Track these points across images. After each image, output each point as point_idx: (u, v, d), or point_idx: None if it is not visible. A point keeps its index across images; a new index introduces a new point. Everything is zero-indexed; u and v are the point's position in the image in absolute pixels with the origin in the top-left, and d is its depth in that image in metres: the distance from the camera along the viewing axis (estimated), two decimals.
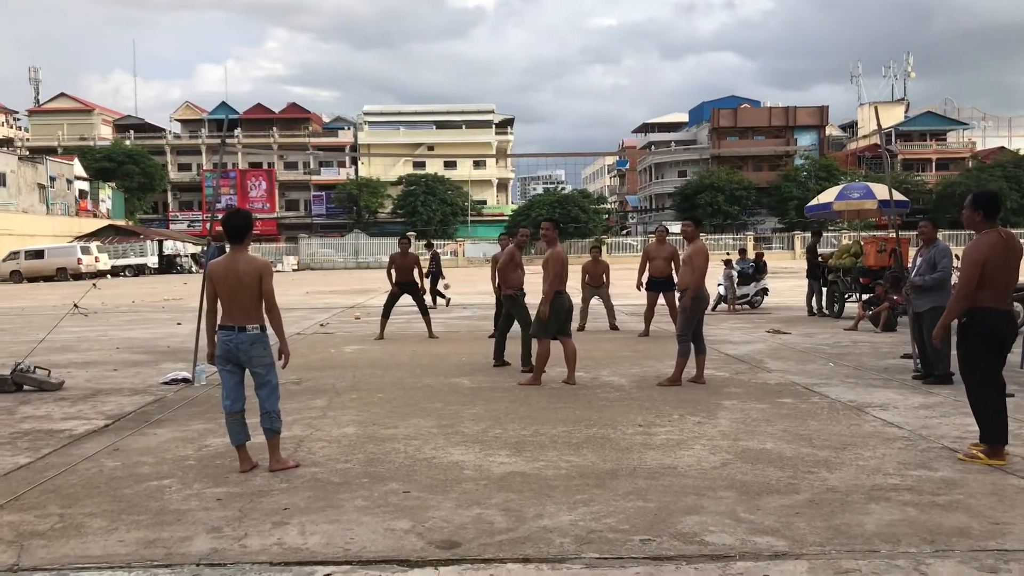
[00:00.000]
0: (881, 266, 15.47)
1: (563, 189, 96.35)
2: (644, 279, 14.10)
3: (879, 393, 8.23)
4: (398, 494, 5.09)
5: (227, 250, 5.94)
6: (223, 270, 5.69)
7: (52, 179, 63.83)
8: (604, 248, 38.96)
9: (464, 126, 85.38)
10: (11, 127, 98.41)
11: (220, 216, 6.25)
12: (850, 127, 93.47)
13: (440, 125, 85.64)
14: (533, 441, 6.39)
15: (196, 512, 4.80)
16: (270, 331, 5.73)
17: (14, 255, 44.78)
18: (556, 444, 6.25)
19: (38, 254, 44.58)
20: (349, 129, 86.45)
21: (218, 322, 5.73)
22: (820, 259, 17.04)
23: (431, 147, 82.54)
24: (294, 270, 58.14)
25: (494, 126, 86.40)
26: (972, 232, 5.97)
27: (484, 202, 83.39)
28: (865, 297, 15.31)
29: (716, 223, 68.73)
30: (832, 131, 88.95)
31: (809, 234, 61.19)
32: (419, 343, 13.14)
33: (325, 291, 28.58)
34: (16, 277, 43.47)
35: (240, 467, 5.75)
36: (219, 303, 5.72)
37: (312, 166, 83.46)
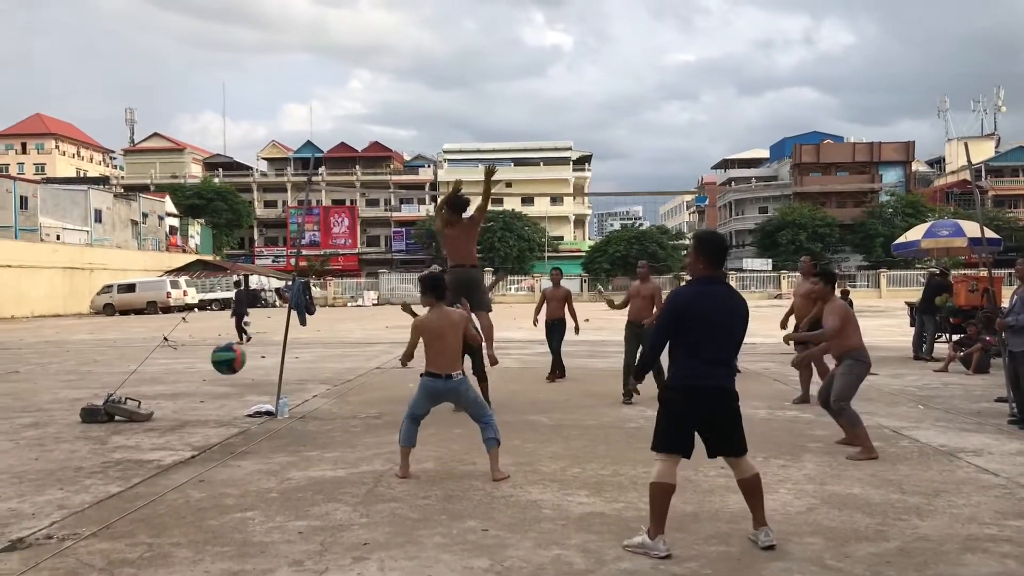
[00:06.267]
0: (972, 306, 14.98)
1: (641, 225, 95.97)
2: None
3: (972, 438, 7.92)
4: (476, 532, 5.07)
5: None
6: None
7: (144, 215, 66.32)
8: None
9: (542, 163, 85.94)
10: (108, 166, 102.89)
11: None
12: (937, 163, 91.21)
13: (518, 162, 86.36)
14: (612, 481, 6.32)
15: (278, 545, 4.87)
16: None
17: (108, 289, 46.47)
18: (636, 485, 6.16)
19: (130, 288, 46.17)
20: (429, 167, 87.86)
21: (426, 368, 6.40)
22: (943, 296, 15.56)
23: (509, 184, 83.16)
24: (374, 304, 59.02)
25: (571, 163, 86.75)
26: None
27: (561, 238, 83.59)
28: (956, 338, 14.82)
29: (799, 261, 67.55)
30: (919, 167, 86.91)
31: (890, 269, 59.03)
32: (496, 380, 13.00)
33: (404, 325, 28.87)
34: (109, 310, 45.07)
35: (400, 472, 6.38)
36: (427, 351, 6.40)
37: (393, 203, 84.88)
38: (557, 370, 13.00)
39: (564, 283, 13.47)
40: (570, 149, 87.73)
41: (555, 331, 12.94)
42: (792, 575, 4.29)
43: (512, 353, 17.31)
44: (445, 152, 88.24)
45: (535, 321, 13.27)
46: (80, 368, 15.77)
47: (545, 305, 13.02)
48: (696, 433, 4.75)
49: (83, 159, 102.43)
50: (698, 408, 4.69)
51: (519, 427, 8.76)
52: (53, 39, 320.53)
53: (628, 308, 11.07)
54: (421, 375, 6.43)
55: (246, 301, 23.13)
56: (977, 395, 10.78)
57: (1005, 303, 9.30)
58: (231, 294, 53.95)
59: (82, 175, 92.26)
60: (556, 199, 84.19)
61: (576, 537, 4.96)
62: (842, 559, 4.53)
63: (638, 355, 10.01)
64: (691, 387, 4.69)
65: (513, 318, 30.31)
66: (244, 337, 21.63)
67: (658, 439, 4.77)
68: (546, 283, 13.56)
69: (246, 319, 22.11)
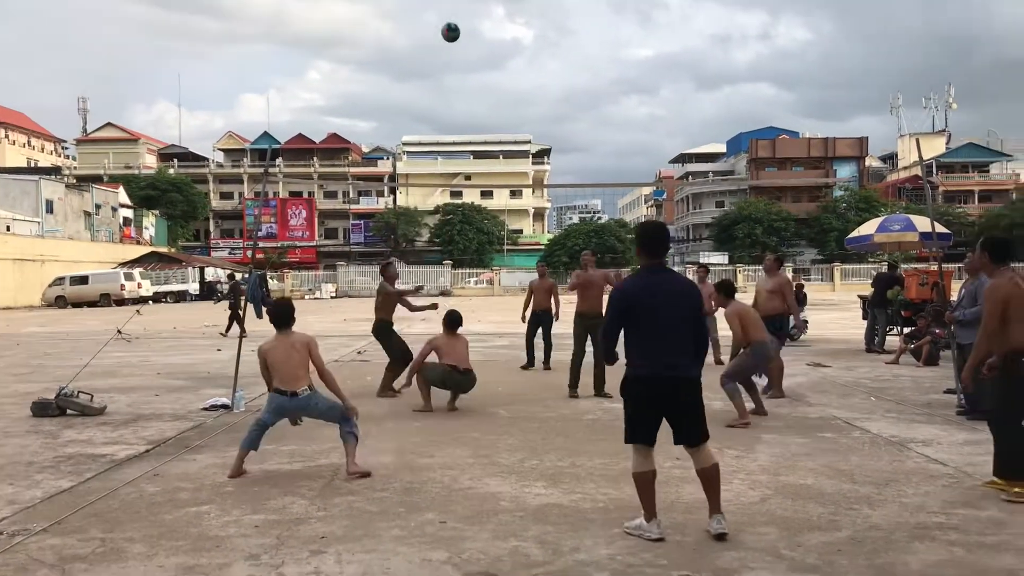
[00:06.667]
0: (922, 299, 15.25)
1: (599, 219, 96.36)
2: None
3: (922, 428, 8.08)
4: (435, 524, 5.08)
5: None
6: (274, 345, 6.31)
7: (98, 206, 65.13)
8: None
9: (501, 156, 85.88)
10: (59, 155, 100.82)
11: (272, 305, 6.85)
12: (890, 158, 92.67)
13: (477, 155, 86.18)
14: (570, 473, 6.35)
15: (234, 539, 4.83)
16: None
17: (60, 281, 45.61)
18: (593, 476, 6.21)
19: (83, 280, 45.34)
20: (388, 159, 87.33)
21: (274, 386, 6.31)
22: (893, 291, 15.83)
23: (468, 177, 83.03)
24: (332, 297, 58.62)
25: (531, 156, 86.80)
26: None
27: (520, 231, 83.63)
28: (907, 330, 15.09)
29: (755, 254, 68.34)
30: (872, 162, 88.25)
31: (843, 263, 59.87)
32: None
33: (362, 318, 28.72)
34: (61, 302, 44.22)
35: (231, 472, 6.24)
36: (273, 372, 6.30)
37: (351, 195, 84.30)
38: (545, 359, 13.28)
39: (522, 276, 13.61)
40: (529, 142, 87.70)
41: (544, 321, 13.28)
42: (746, 564, 4.35)
43: (473, 347, 17.29)
44: (404, 144, 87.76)
45: (523, 317, 13.61)
46: (31, 361, 15.48)
47: (532, 297, 13.43)
48: (665, 420, 4.81)
49: (34, 148, 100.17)
50: (654, 397, 4.74)
51: (478, 420, 8.78)
52: (1, 26, 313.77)
53: (577, 300, 10.90)
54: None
55: (239, 292, 22.67)
56: (927, 387, 10.99)
57: (954, 297, 9.50)
58: (186, 287, 53.54)
59: (33, 165, 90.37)
60: (515, 192, 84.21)
61: (534, 528, 4.98)
62: (795, 548, 4.60)
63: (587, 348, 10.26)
64: (643, 377, 4.74)
65: (472, 311, 30.36)
66: (238, 329, 21.28)
67: (626, 431, 4.84)
68: (505, 277, 13.66)
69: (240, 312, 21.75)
